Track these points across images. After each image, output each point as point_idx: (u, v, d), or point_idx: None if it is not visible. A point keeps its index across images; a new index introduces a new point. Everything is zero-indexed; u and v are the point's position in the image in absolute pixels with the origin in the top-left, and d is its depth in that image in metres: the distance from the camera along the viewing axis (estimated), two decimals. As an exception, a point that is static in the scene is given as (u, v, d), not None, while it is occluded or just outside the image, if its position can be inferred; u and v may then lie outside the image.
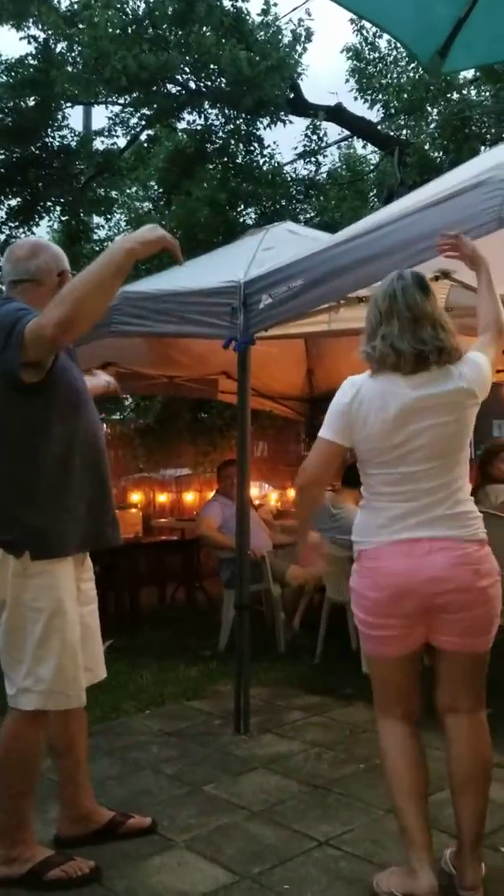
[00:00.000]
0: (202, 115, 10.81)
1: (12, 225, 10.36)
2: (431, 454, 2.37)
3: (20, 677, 2.45)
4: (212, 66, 9.95)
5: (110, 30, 9.56)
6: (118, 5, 9.75)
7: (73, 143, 10.50)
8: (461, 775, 2.46)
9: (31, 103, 9.77)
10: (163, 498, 8.97)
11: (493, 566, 2.39)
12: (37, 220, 10.41)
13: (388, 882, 2.43)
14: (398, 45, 10.25)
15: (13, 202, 10.35)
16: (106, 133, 11.02)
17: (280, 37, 10.22)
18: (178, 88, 10.59)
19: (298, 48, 10.35)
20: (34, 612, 2.44)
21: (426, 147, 10.16)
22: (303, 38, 10.36)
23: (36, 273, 2.56)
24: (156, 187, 11.90)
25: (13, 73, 9.88)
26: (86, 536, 2.57)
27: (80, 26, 9.71)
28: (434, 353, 2.38)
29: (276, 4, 10.15)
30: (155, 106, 10.39)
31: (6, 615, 2.45)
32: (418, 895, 2.31)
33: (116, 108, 11.00)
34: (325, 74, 12.81)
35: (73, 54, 10.01)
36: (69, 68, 9.82)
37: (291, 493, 9.22)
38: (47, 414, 2.45)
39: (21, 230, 10.41)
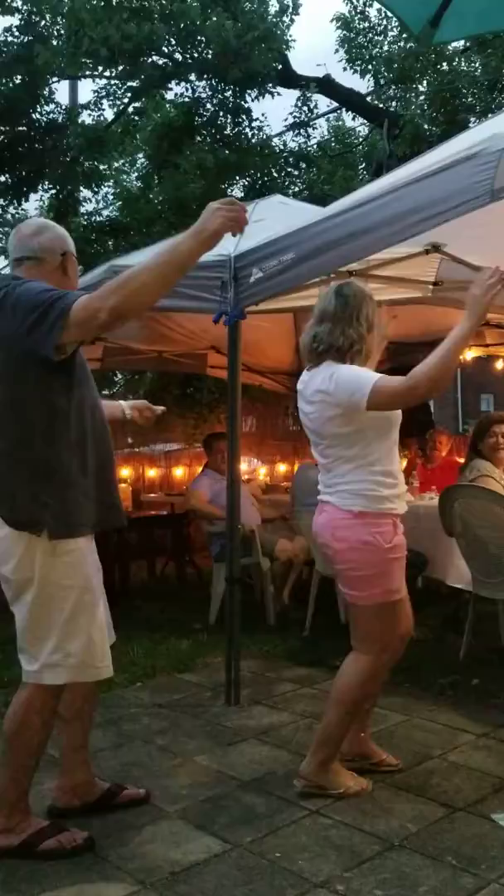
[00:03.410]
0: (189, 88, 10.68)
1: (3, 203, 10.24)
2: (317, 439, 2.90)
3: (45, 653, 2.46)
4: (198, 38, 9.80)
5: (93, 1, 9.39)
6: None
7: (61, 119, 10.34)
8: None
9: (17, 81, 9.58)
10: (152, 473, 8.97)
11: (352, 535, 2.79)
12: (27, 196, 10.28)
13: None
14: (388, 13, 10.13)
15: (2, 179, 10.23)
16: (92, 106, 10.87)
17: (266, 7, 10.07)
18: (164, 60, 10.44)
19: (286, 19, 10.21)
20: (64, 590, 2.46)
21: (416, 119, 10.07)
22: (290, 9, 10.21)
23: (38, 251, 2.57)
24: (144, 161, 11.77)
25: None
26: (99, 516, 2.59)
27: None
28: (325, 348, 2.84)
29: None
30: (141, 77, 10.24)
31: (33, 593, 2.46)
32: None
33: (102, 82, 10.85)
34: (312, 46, 12.66)
35: (56, 27, 9.83)
36: (53, 42, 9.64)
37: (280, 467, 9.25)
38: (65, 394, 2.46)
39: (11, 207, 10.31)
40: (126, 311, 2.29)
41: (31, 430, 2.45)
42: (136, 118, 11.23)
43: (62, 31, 9.71)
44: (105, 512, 2.62)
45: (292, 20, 10.25)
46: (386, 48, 11.33)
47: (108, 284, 2.30)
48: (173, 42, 10.12)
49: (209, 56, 9.89)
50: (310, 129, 11.85)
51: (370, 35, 11.39)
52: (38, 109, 9.97)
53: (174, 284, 2.38)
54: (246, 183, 10.84)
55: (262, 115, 11.07)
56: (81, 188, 10.81)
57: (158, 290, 2.33)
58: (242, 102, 10.57)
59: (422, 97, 10.92)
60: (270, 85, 10.30)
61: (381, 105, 11.61)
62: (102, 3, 9.48)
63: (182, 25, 9.65)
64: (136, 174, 12.32)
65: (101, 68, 10.33)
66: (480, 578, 4.23)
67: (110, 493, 2.65)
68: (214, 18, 9.28)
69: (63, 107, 10.55)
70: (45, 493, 2.45)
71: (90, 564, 2.54)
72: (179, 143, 10.31)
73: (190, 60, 10.20)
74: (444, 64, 10.54)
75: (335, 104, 12.21)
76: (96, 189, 11.31)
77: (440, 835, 2.61)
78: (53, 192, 10.45)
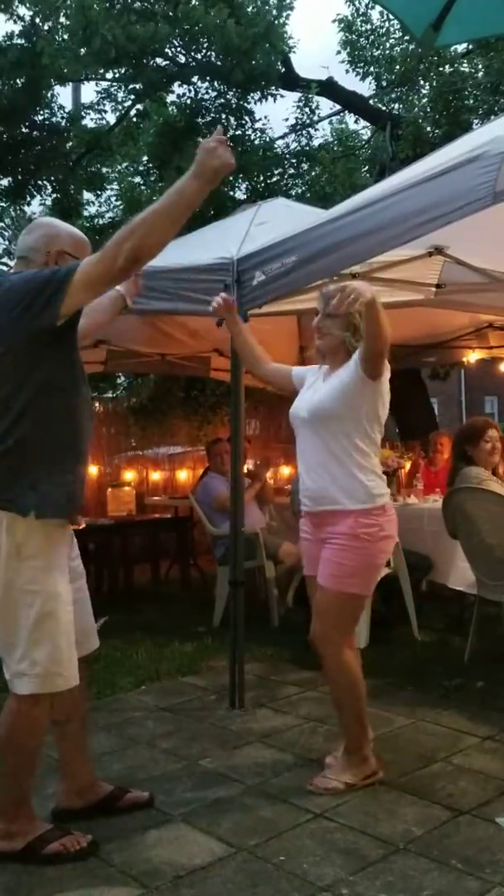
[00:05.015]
0: (192, 89, 10.69)
1: (4, 205, 10.26)
2: None
3: (14, 661, 2.46)
4: (201, 39, 9.81)
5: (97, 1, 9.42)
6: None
7: (63, 122, 10.36)
8: None
9: (20, 83, 9.60)
10: (156, 476, 8.97)
11: None
12: (28, 199, 10.30)
13: (342, 777, 2.94)
14: (391, 16, 10.13)
15: (4, 182, 10.25)
16: (95, 108, 10.89)
17: (267, 7, 10.08)
18: (167, 62, 10.45)
19: (285, 13, 10.19)
20: (29, 596, 2.44)
21: (419, 120, 10.07)
22: (287, 1, 10.19)
23: (26, 250, 2.61)
24: (146, 161, 11.77)
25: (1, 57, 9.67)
26: (78, 505, 2.57)
27: (67, 1, 9.57)
28: None
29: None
30: (144, 81, 10.27)
31: (0, 598, 2.46)
32: (377, 770, 2.99)
33: (105, 84, 10.87)
34: (315, 49, 12.67)
35: (59, 30, 9.86)
36: (56, 44, 9.66)
37: (285, 470, 9.24)
38: (60, 378, 2.48)
39: (12, 210, 10.32)
40: (143, 253, 2.32)
41: (22, 409, 2.44)
42: (138, 121, 11.25)
43: (65, 32, 9.72)
44: (80, 505, 2.61)
45: (292, 7, 10.22)
46: (389, 49, 11.33)
47: (120, 232, 2.32)
48: (177, 44, 10.14)
49: (212, 57, 9.91)
50: (311, 131, 11.86)
51: (372, 37, 11.40)
52: (40, 112, 10.00)
53: (182, 224, 2.40)
54: (248, 185, 10.84)
55: (265, 117, 11.06)
56: (84, 191, 10.83)
57: (170, 231, 2.36)
58: (245, 104, 10.59)
59: (424, 99, 10.92)
60: (273, 87, 10.31)
61: (383, 107, 11.61)
62: (108, 6, 9.51)
63: (187, 28, 9.67)
64: (138, 176, 12.33)
65: (102, 71, 10.34)
66: (484, 581, 4.22)
67: (81, 491, 2.63)
68: (217, 21, 9.29)
69: (65, 110, 10.58)
70: (34, 475, 2.44)
71: (57, 569, 2.50)
72: (181, 144, 10.32)
73: (193, 63, 10.22)
74: (447, 66, 10.54)
75: (337, 107, 12.21)
76: (99, 193, 11.33)
77: (445, 838, 2.60)
78: (55, 195, 10.46)
